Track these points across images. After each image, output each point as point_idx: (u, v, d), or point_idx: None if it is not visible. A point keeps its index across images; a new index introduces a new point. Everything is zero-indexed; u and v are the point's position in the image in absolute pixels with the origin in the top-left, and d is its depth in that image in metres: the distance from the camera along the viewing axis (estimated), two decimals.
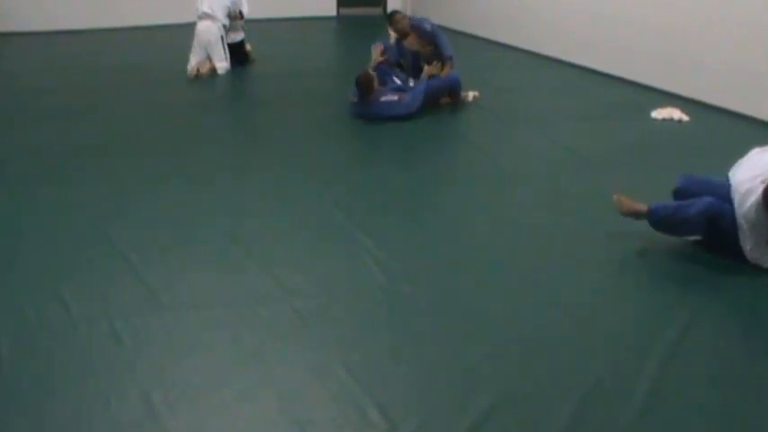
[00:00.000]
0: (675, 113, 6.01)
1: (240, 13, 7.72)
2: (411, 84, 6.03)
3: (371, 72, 5.76)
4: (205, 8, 7.58)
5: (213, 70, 7.61)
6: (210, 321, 2.93)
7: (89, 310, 2.97)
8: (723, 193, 3.40)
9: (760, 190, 3.21)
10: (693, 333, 2.87)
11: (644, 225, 3.64)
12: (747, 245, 3.33)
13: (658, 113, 6.05)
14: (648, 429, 2.35)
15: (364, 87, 5.70)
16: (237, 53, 8.03)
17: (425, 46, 6.05)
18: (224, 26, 7.66)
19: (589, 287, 3.26)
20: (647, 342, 2.81)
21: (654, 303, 3.14)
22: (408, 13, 11.90)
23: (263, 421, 2.39)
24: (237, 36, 8.00)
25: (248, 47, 8.23)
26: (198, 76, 7.46)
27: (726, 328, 2.97)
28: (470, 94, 6.29)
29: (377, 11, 12.23)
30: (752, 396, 2.54)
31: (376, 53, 6.13)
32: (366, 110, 5.79)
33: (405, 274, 3.32)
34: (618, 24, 7.35)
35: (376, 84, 5.72)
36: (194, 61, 7.55)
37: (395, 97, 5.82)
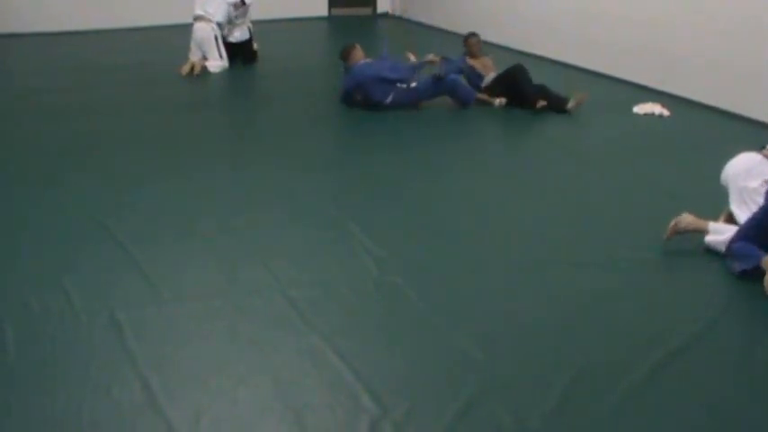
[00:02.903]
0: (657, 109, 6.12)
1: (242, 1, 7.80)
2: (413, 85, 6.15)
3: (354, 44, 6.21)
4: (198, 10, 7.74)
5: (206, 69, 7.69)
6: (208, 311, 3.00)
7: (91, 301, 3.05)
8: None
9: None
10: (682, 331, 2.91)
11: (633, 218, 3.75)
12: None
13: (640, 108, 6.16)
14: (633, 415, 2.42)
15: (345, 56, 6.22)
16: (246, 51, 8.17)
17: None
18: (219, 25, 7.76)
19: (577, 276, 3.34)
20: (635, 332, 2.90)
21: (642, 295, 3.22)
22: (398, 13, 12.01)
23: (260, 407, 2.47)
24: (245, 35, 8.11)
25: (255, 45, 8.35)
26: (191, 73, 7.54)
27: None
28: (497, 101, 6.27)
29: (367, 11, 12.30)
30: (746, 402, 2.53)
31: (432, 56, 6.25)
32: (350, 78, 6.12)
33: (396, 265, 3.40)
34: (599, 21, 7.46)
35: (359, 54, 6.19)
36: (191, 60, 7.65)
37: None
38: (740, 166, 3.61)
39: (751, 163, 3.57)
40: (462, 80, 6.30)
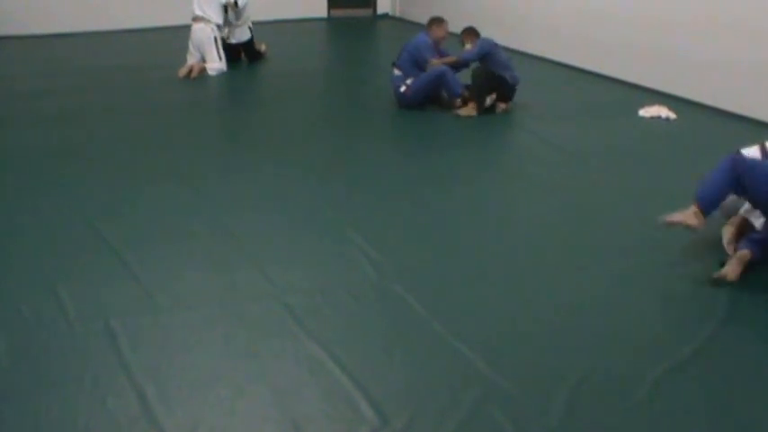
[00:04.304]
0: (663, 111, 6.07)
1: (235, 2, 7.77)
2: (408, 81, 6.17)
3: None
4: (196, 10, 7.69)
5: (204, 71, 7.66)
6: (205, 319, 2.96)
7: (85, 309, 3.01)
8: None
9: None
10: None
11: (639, 223, 3.71)
12: None
13: (646, 111, 6.11)
14: (637, 426, 2.39)
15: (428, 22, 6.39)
16: (248, 51, 8.21)
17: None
18: (218, 26, 7.73)
19: (581, 282, 3.30)
20: (638, 339, 2.86)
21: (647, 301, 3.17)
22: (397, 14, 11.99)
23: (258, 417, 2.42)
24: (245, 35, 8.11)
25: (263, 47, 8.39)
26: (188, 76, 7.51)
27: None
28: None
29: (367, 12, 12.29)
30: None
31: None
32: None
33: (396, 271, 3.36)
34: (605, 23, 7.42)
35: (436, 29, 6.30)
36: (189, 62, 7.63)
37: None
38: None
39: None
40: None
